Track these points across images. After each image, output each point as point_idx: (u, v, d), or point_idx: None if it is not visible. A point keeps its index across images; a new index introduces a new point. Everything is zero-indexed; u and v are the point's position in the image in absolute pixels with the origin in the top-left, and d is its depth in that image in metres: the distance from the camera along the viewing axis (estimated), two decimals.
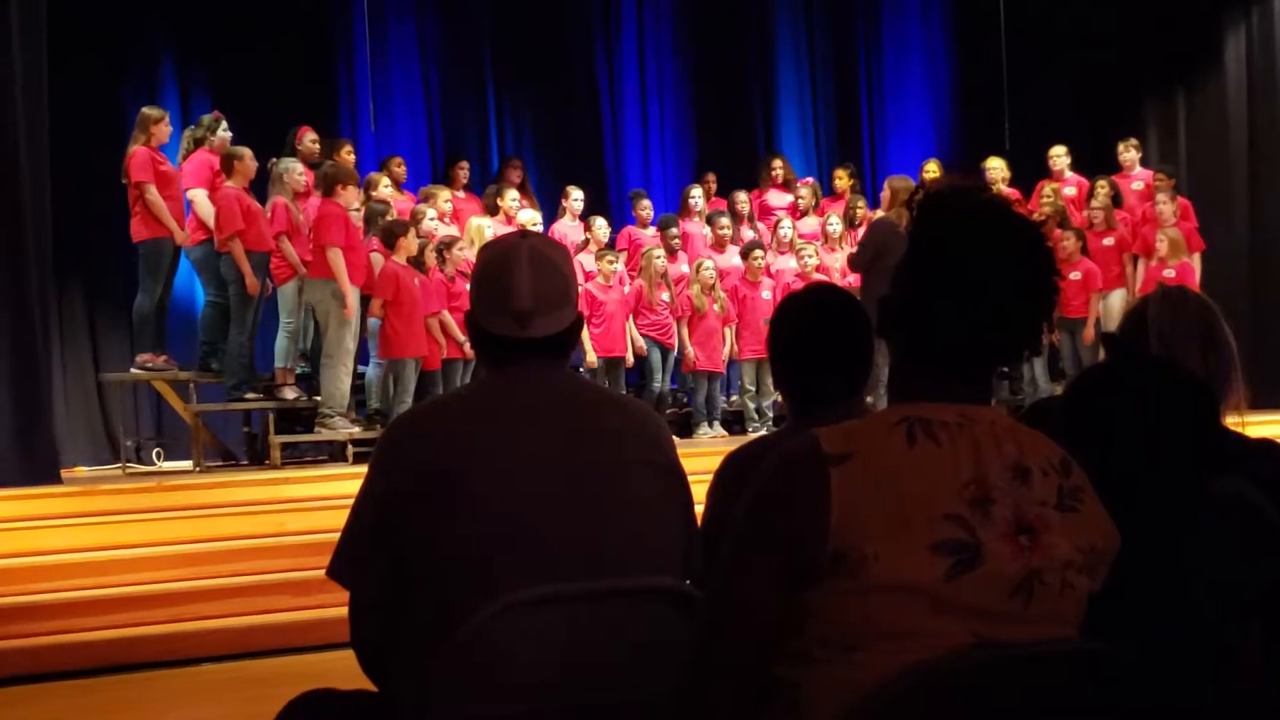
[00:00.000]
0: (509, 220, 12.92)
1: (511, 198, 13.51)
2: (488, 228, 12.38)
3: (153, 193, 11.22)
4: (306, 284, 11.60)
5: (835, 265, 13.86)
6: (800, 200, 15.17)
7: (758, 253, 13.88)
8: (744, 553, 2.28)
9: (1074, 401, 2.77)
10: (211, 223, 11.46)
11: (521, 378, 3.04)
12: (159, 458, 12.99)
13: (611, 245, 13.69)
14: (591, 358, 12.81)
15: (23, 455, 10.11)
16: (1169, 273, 12.63)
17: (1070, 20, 16.21)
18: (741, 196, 14.94)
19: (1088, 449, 2.60)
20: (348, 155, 13.00)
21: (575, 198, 14.11)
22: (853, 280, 12.44)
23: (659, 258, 13.42)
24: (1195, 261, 13.39)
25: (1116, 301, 13.15)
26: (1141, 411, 2.65)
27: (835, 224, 14.44)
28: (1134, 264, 13.54)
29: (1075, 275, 12.96)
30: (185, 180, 11.73)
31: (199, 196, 11.61)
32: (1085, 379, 2.83)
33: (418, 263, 11.85)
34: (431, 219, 12.58)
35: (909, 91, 18.07)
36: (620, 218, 15.12)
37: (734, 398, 14.32)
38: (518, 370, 3.05)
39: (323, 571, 3.06)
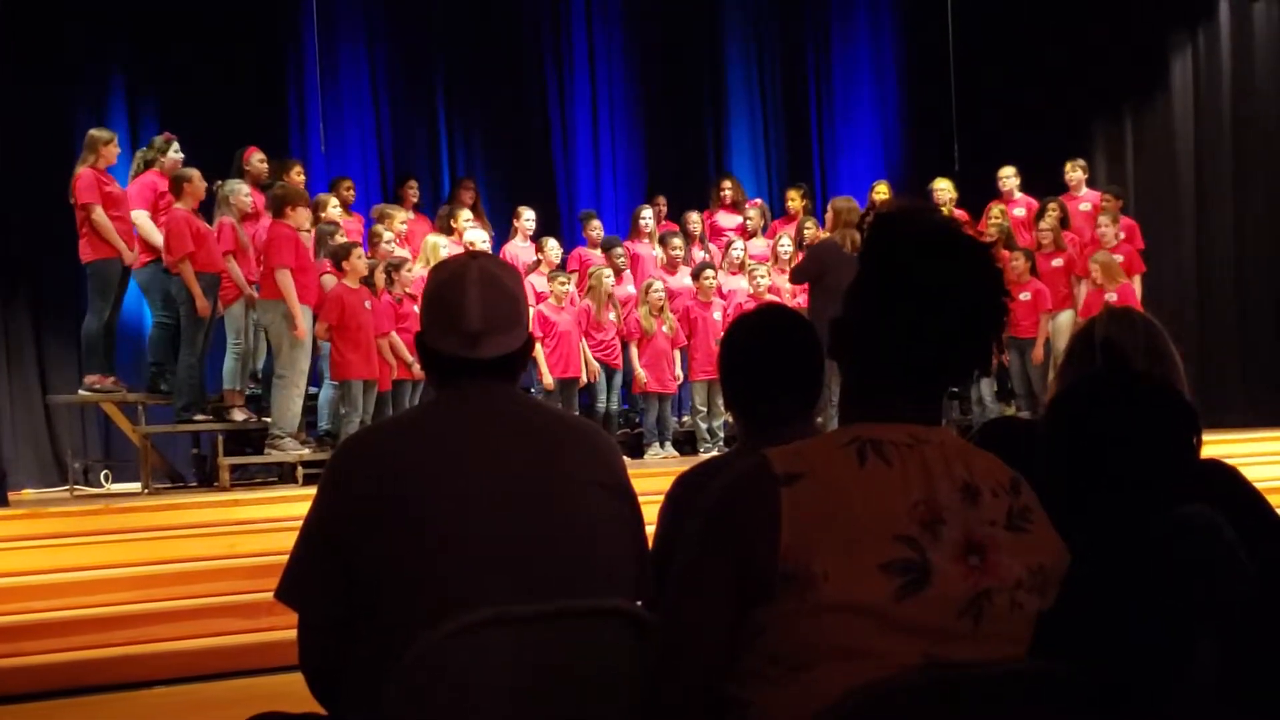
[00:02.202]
0: (463, 240, 12.88)
1: (465, 218, 13.47)
2: (444, 247, 12.33)
3: (99, 214, 11.17)
4: (259, 305, 11.55)
5: (787, 286, 13.87)
6: (748, 221, 15.20)
7: (709, 273, 13.89)
8: (695, 573, 2.28)
9: (1062, 418, 2.78)
10: (155, 243, 11.41)
11: (471, 399, 3.04)
12: (107, 480, 12.88)
13: (562, 266, 13.67)
14: (549, 379, 12.78)
15: None
16: (1110, 296, 12.66)
17: (1019, 41, 16.32)
18: (693, 217, 14.97)
19: (1070, 465, 2.62)
20: (298, 176, 12.97)
21: (527, 218, 14.08)
22: (803, 301, 12.48)
23: (607, 277, 13.42)
24: (1136, 284, 13.43)
25: (1065, 322, 13.19)
26: (1132, 437, 2.66)
27: (786, 245, 14.45)
28: (1079, 285, 13.59)
29: (1025, 296, 13.00)
30: (130, 202, 11.66)
31: (141, 219, 11.55)
32: (1075, 395, 2.83)
33: (369, 284, 11.80)
34: (389, 240, 12.54)
35: (859, 113, 18.12)
36: (571, 239, 15.11)
37: (685, 418, 14.31)
38: (467, 391, 3.04)
39: (272, 594, 3.04)
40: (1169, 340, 3.56)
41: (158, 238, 11.39)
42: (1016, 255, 13.16)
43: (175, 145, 11.97)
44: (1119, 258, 13.30)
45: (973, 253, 2.34)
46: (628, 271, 14.04)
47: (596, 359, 13.34)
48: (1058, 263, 13.58)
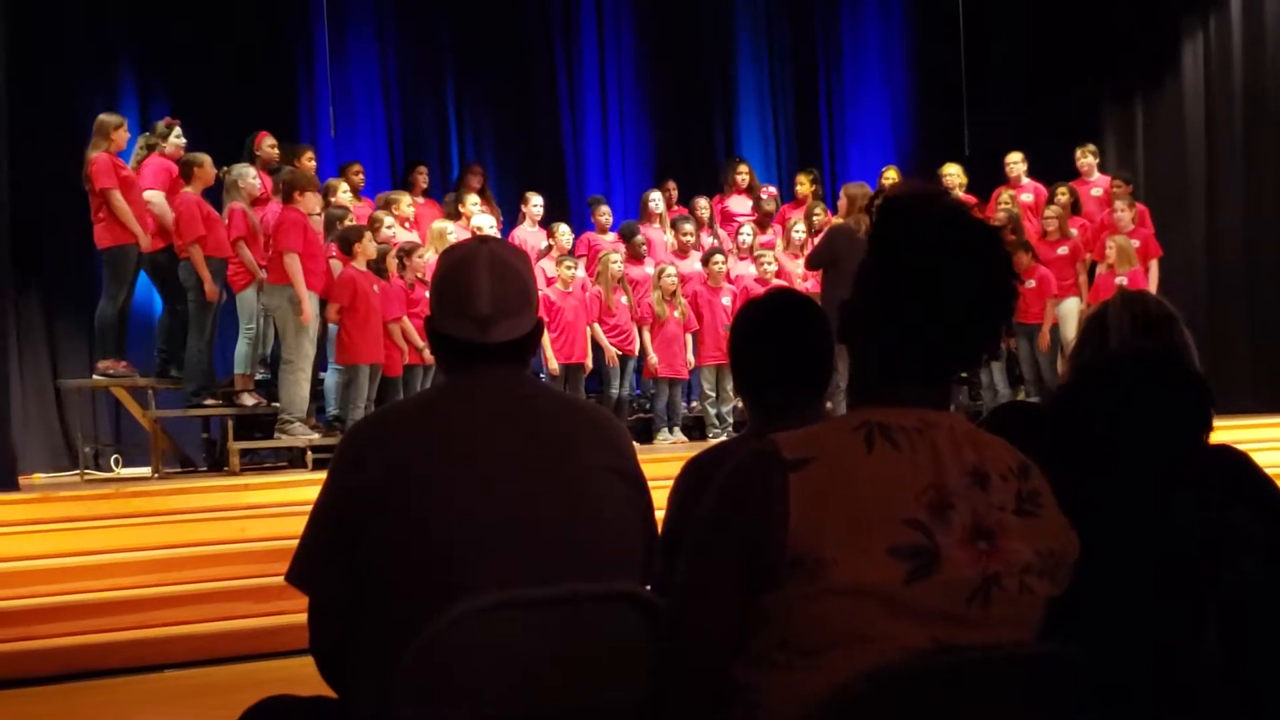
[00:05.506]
0: (469, 225, 12.87)
1: (472, 202, 13.48)
2: (450, 232, 12.34)
3: (118, 199, 11.12)
4: (265, 290, 11.54)
5: (796, 271, 13.84)
6: (762, 204, 15.15)
7: (718, 258, 13.87)
8: (704, 557, 2.28)
9: (1069, 403, 2.77)
10: (169, 224, 11.42)
11: (481, 383, 3.03)
12: (117, 464, 12.89)
13: (571, 251, 13.66)
14: (554, 365, 12.79)
15: None
16: (1120, 280, 12.60)
17: (1029, 27, 16.27)
18: (702, 202, 14.95)
19: (1077, 449, 2.62)
20: (309, 161, 12.94)
21: (535, 203, 14.09)
22: (812, 285, 12.47)
23: (615, 262, 13.40)
24: (1153, 268, 13.41)
25: (1070, 308, 13.14)
26: (1138, 421, 2.66)
27: (800, 229, 14.40)
28: (1087, 270, 13.56)
29: (1030, 283, 12.95)
30: (143, 182, 11.64)
31: (156, 198, 11.52)
32: (1082, 380, 2.82)
33: (378, 268, 11.80)
34: (390, 225, 12.52)
35: (869, 98, 18.09)
36: (580, 224, 15.09)
37: (695, 403, 14.31)
38: (477, 375, 3.04)
39: (283, 577, 3.05)
40: (1182, 324, 3.55)
41: (171, 218, 11.41)
42: (1015, 247, 13.08)
43: (178, 130, 11.96)
44: (1136, 242, 13.29)
45: (982, 235, 2.33)
46: (648, 257, 14.02)
47: (611, 343, 13.33)
48: (1063, 250, 13.54)
